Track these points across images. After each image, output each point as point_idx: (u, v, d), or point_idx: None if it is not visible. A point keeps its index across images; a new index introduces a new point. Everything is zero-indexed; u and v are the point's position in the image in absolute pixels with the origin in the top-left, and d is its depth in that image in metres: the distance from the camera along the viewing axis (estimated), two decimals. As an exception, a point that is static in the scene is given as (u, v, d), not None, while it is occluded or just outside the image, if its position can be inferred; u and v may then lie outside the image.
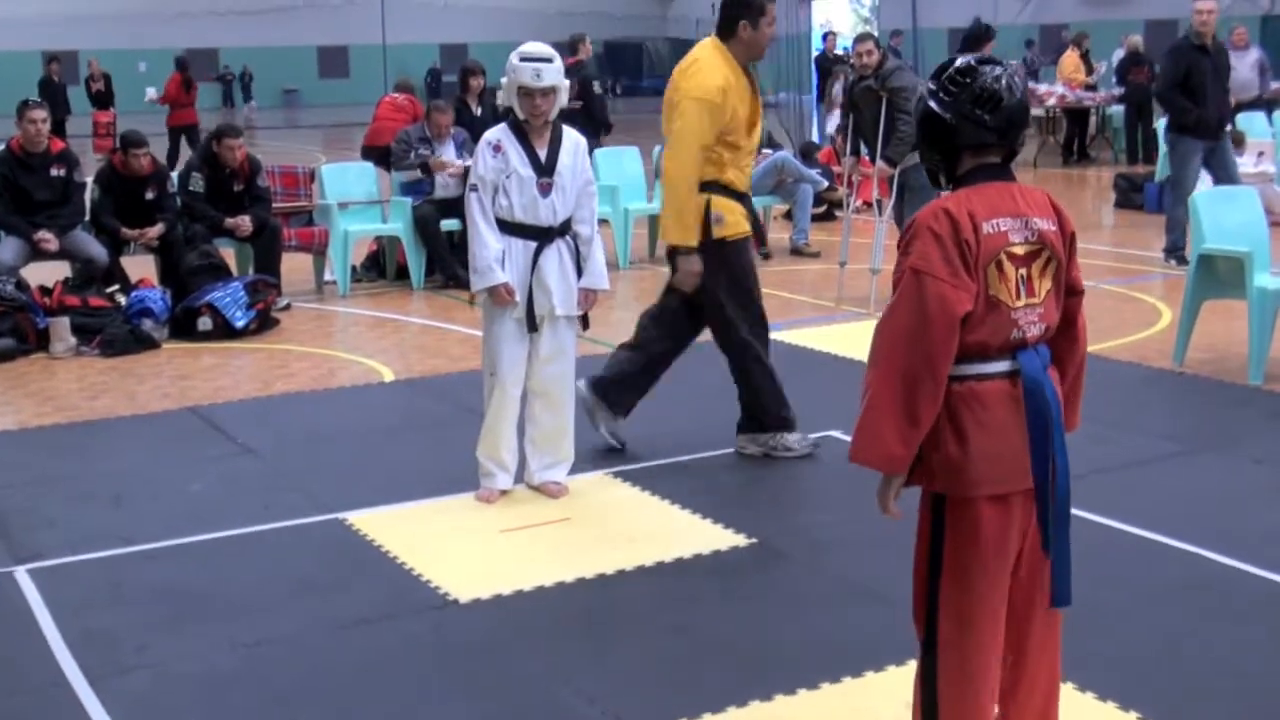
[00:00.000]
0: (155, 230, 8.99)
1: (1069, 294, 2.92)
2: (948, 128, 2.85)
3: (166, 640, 4.09)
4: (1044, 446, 2.80)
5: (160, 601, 4.39)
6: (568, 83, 5.14)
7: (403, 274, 10.42)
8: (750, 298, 5.63)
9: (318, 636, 4.10)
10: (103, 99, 20.96)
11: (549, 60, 4.98)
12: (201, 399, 6.98)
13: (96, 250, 8.77)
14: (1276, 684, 3.68)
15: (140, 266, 9.32)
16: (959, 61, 2.90)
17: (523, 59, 4.98)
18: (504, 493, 5.25)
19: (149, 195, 9.09)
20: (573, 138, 5.18)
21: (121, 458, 6.06)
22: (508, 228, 5.05)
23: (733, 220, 5.47)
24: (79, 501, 5.40)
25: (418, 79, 12.50)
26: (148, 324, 8.29)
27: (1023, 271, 2.81)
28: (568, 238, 5.14)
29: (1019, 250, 2.81)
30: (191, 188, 9.33)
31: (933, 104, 2.87)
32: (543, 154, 5.05)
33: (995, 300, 2.78)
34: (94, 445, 6.28)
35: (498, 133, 5.09)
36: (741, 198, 5.54)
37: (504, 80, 5.05)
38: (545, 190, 5.04)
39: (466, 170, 9.77)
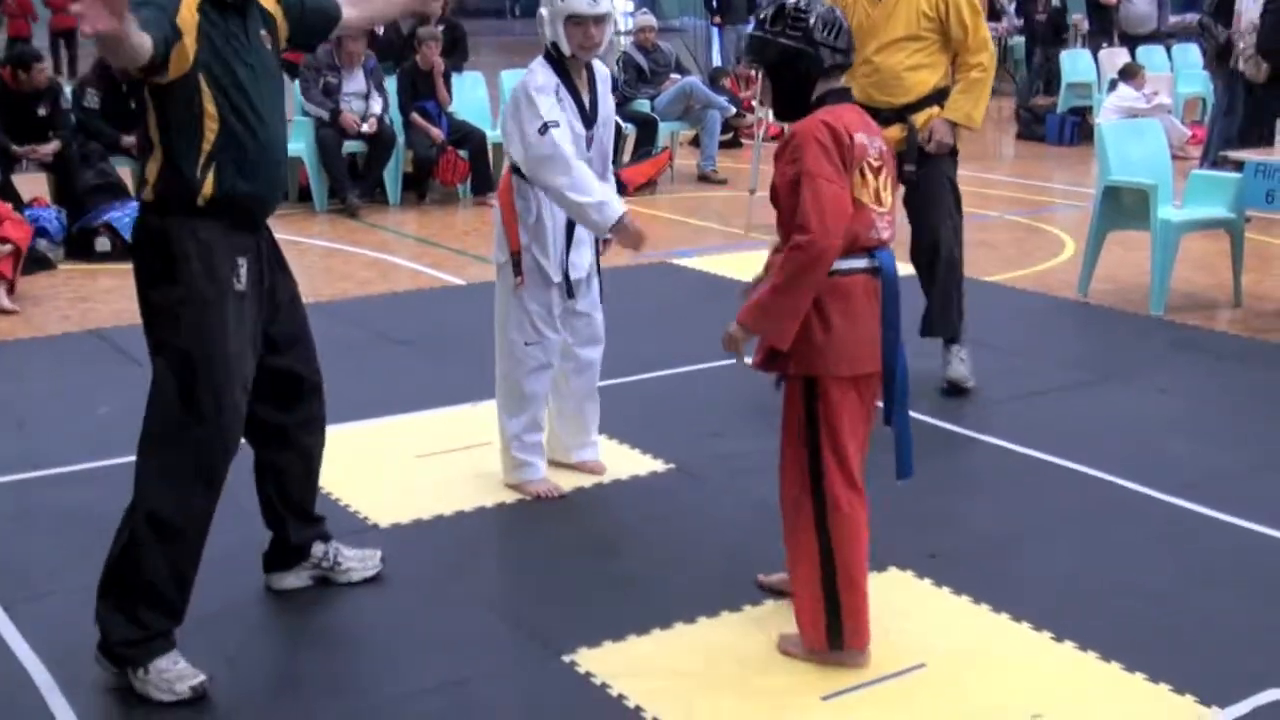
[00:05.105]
0: (49, 147, 8.72)
1: None
2: (805, 56, 3.18)
3: (78, 565, 3.98)
4: (896, 333, 3.24)
5: (70, 526, 4.30)
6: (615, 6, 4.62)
7: (305, 196, 10.22)
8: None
9: (235, 559, 4.03)
10: None
11: None
12: (103, 321, 6.82)
13: (-14, 168, 8.49)
14: (1176, 602, 3.78)
15: (34, 185, 9.03)
16: (786, 1, 3.22)
17: None
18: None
19: (42, 111, 8.81)
20: (602, 71, 4.56)
21: (23, 381, 5.91)
22: None
23: None
24: (-20, 426, 5.25)
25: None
26: (43, 244, 8.07)
27: (876, 182, 3.21)
28: None
29: (874, 162, 3.21)
30: (86, 104, 9.03)
31: (784, 40, 3.19)
32: (586, 99, 4.45)
33: (859, 202, 3.17)
34: (-7, 368, 6.11)
35: (548, 76, 4.38)
36: None
37: (543, 11, 4.38)
38: (589, 143, 4.45)
39: (373, 128, 9.55)
